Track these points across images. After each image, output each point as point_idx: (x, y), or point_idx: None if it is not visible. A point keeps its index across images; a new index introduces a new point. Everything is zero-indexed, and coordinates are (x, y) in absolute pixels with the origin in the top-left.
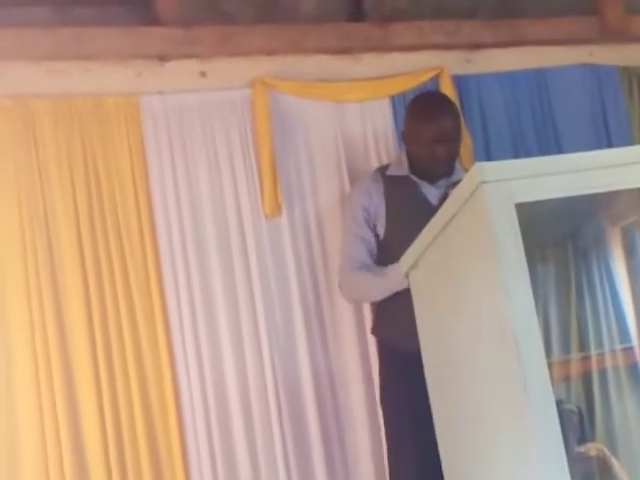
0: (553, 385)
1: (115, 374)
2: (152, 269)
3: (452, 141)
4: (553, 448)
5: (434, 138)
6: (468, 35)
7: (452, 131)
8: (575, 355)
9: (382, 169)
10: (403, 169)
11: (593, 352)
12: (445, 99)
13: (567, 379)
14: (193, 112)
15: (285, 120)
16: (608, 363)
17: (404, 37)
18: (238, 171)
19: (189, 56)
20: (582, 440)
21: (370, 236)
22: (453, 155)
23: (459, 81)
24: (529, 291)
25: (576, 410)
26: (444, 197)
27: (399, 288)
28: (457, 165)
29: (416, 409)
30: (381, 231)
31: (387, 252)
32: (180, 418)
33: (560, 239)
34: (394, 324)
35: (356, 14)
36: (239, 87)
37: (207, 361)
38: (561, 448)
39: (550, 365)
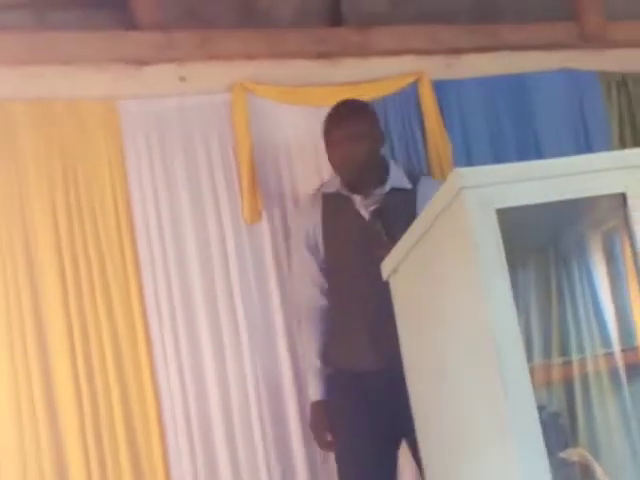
0: (534, 390)
1: (96, 383)
2: (132, 275)
3: (354, 142)
4: (535, 453)
5: (336, 142)
6: (448, 40)
7: (353, 131)
8: (556, 360)
9: (318, 189)
10: (335, 185)
11: (574, 357)
12: (350, 103)
13: (548, 384)
14: (172, 117)
15: (264, 125)
16: (590, 368)
17: (383, 42)
18: (217, 176)
19: (168, 60)
20: (564, 445)
21: (312, 262)
22: (361, 158)
23: (439, 86)
24: (510, 296)
25: (558, 414)
26: (377, 210)
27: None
28: (394, 172)
29: (363, 435)
30: (322, 252)
31: (330, 272)
32: (161, 425)
33: (541, 244)
34: (343, 345)
35: (335, 18)
36: (218, 92)
37: (188, 366)
38: (543, 453)
39: (531, 370)
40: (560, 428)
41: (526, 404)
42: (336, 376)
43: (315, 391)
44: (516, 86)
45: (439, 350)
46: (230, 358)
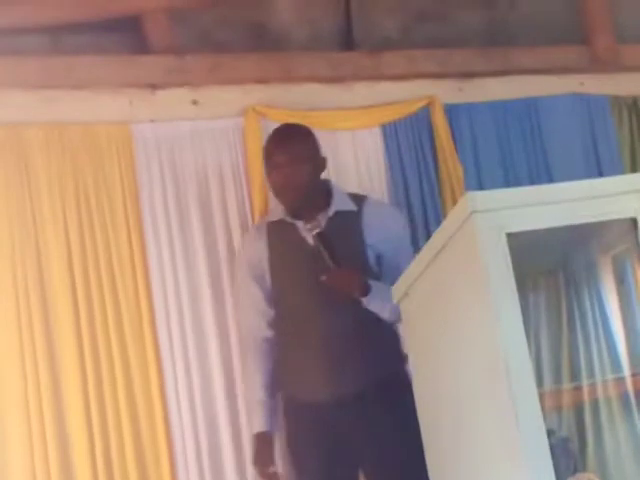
0: (544, 415)
1: (105, 403)
2: (143, 298)
3: (296, 165)
4: (545, 478)
5: (278, 165)
6: (460, 64)
7: (296, 155)
8: (567, 385)
9: (266, 216)
10: (278, 213)
11: (585, 382)
12: (291, 127)
13: (559, 409)
14: (185, 141)
15: None
16: (600, 393)
17: (395, 66)
18: (229, 200)
19: (181, 84)
20: (574, 470)
21: (259, 293)
22: (303, 181)
23: (451, 110)
24: (520, 321)
25: (568, 439)
26: (320, 234)
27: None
28: (337, 196)
29: (317, 467)
30: (269, 282)
31: (278, 301)
32: (170, 443)
33: (551, 268)
34: (293, 375)
35: (347, 43)
36: (231, 115)
37: (197, 381)
38: (553, 478)
39: (541, 395)
40: (570, 453)
41: (536, 429)
42: (287, 406)
43: (259, 422)
44: (527, 110)
45: (450, 373)
46: (238, 371)
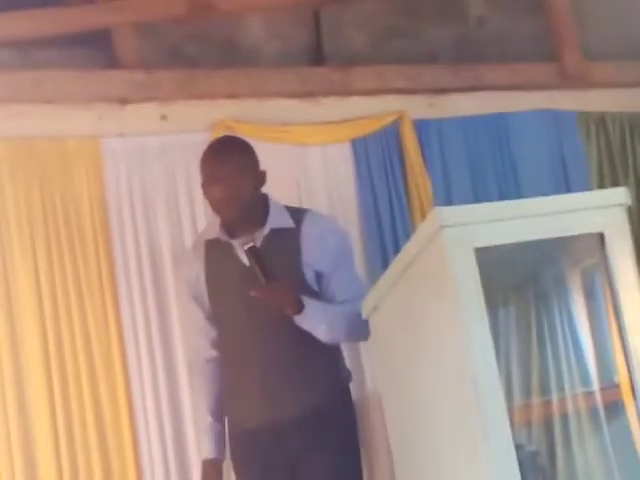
0: (514, 430)
1: (75, 442)
2: (111, 317)
3: (236, 179)
4: None
5: (216, 178)
6: (429, 80)
7: (235, 168)
8: (536, 399)
9: (201, 236)
10: (214, 230)
11: (554, 396)
12: (230, 139)
13: (528, 423)
14: (154, 155)
15: None
16: (569, 407)
17: (365, 81)
18: (199, 215)
19: (150, 99)
20: None
21: (199, 313)
22: (243, 196)
23: (420, 125)
24: (488, 336)
25: (537, 453)
26: (252, 249)
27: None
28: (274, 212)
29: None
30: (206, 302)
31: (217, 323)
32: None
33: (520, 282)
34: (232, 400)
35: (317, 58)
36: (200, 130)
37: (166, 413)
38: None
39: (511, 409)
40: (539, 467)
41: (505, 443)
42: (230, 432)
43: (205, 449)
44: (497, 125)
45: (420, 388)
46: None
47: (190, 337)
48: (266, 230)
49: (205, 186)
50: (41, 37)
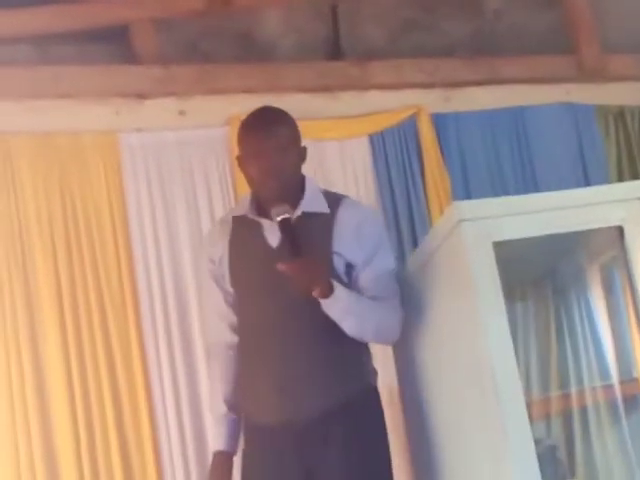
0: (532, 423)
1: (95, 432)
2: (130, 310)
3: (281, 152)
4: None
5: (261, 151)
6: (446, 74)
7: (281, 142)
8: (555, 393)
9: (228, 213)
10: (243, 207)
11: (573, 390)
12: (273, 110)
13: (547, 417)
14: (171, 150)
15: None
16: (588, 400)
17: (382, 76)
18: (216, 209)
19: (167, 94)
20: (562, 478)
21: (219, 295)
22: (289, 171)
23: (438, 119)
24: (507, 330)
25: (556, 447)
26: (285, 221)
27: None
28: (309, 194)
29: None
30: (228, 283)
31: (238, 307)
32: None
33: (539, 277)
34: (247, 391)
35: (334, 53)
36: (217, 125)
37: (186, 411)
38: None
39: (530, 403)
40: (558, 461)
41: (524, 438)
42: (245, 425)
43: (217, 440)
44: (514, 119)
45: (438, 382)
46: None
47: (208, 319)
48: (298, 212)
49: (247, 158)
50: (59, 33)
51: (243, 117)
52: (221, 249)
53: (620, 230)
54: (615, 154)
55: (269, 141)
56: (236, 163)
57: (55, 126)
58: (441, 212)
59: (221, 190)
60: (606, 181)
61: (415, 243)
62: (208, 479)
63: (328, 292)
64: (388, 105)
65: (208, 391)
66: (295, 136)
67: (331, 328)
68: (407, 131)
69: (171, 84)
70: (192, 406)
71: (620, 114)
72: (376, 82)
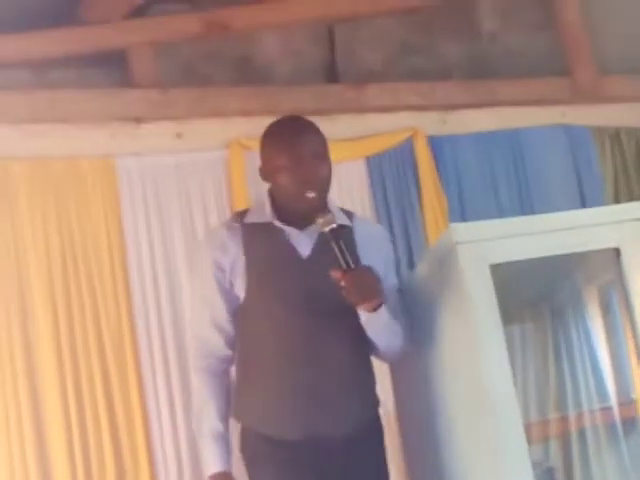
0: (531, 445)
1: (88, 437)
2: (126, 331)
3: (318, 160)
4: None
5: (299, 159)
6: (443, 96)
7: (317, 150)
8: (553, 415)
9: (239, 216)
10: (265, 214)
11: (571, 412)
12: (303, 120)
13: (545, 439)
14: (169, 173)
15: (261, 181)
16: (587, 422)
17: (379, 98)
18: None
19: (165, 118)
20: None
21: (221, 306)
22: (325, 180)
23: (434, 142)
24: (505, 352)
25: (554, 469)
26: (318, 245)
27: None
28: (334, 207)
29: None
30: (241, 291)
31: (250, 316)
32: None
33: (536, 299)
34: (271, 407)
35: (331, 76)
36: (215, 148)
37: (181, 421)
38: None
39: (528, 425)
40: None
41: (522, 460)
42: (252, 440)
43: (216, 461)
44: (510, 141)
45: (435, 406)
46: None
47: (202, 331)
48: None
49: (279, 168)
50: (57, 57)
51: (241, 140)
52: (233, 256)
53: (617, 252)
54: (611, 175)
55: (307, 149)
56: (233, 187)
57: (52, 150)
58: (438, 233)
59: (218, 214)
60: (602, 203)
61: (412, 265)
62: None
63: (378, 305)
64: (385, 128)
65: (192, 408)
66: (327, 146)
67: (361, 343)
68: (404, 153)
69: (169, 107)
70: (185, 410)
71: (616, 135)
72: (373, 105)
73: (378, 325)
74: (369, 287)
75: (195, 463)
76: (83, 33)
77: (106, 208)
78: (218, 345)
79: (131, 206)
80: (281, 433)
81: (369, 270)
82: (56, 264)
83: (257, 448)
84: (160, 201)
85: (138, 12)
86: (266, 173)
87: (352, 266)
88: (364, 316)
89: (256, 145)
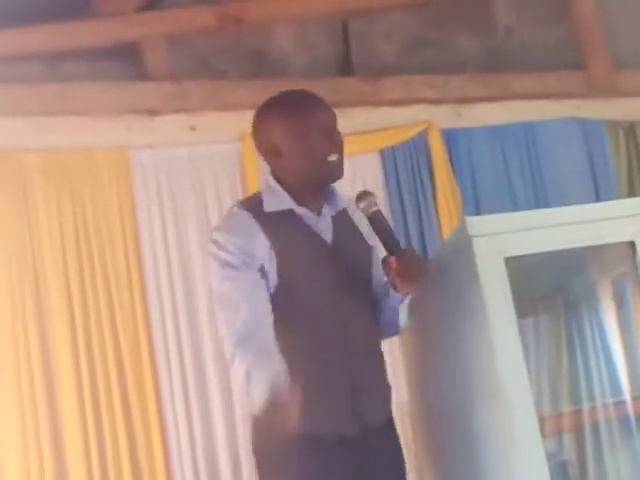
0: (544, 439)
1: (104, 433)
2: (141, 325)
3: (335, 132)
4: None
5: (324, 128)
6: (457, 89)
7: (333, 120)
8: (567, 408)
9: (251, 205)
10: (284, 201)
11: (585, 406)
12: (307, 91)
13: (559, 432)
14: (183, 166)
15: None
16: (600, 416)
17: (393, 92)
18: None
19: (179, 110)
20: None
21: (266, 296)
22: (343, 148)
23: (448, 135)
24: (519, 345)
25: (568, 462)
26: (337, 229)
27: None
28: (334, 190)
29: None
30: (273, 278)
31: (286, 301)
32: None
33: (550, 292)
34: (318, 401)
35: (345, 69)
36: (229, 141)
37: (197, 421)
38: None
39: (541, 419)
40: (570, 476)
41: (536, 453)
42: (280, 440)
43: (276, 376)
44: (525, 134)
45: (448, 399)
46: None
47: (248, 318)
48: (339, 207)
49: (308, 133)
50: (70, 50)
51: None
52: (259, 243)
53: (632, 245)
54: (625, 169)
55: (330, 119)
56: (247, 180)
57: (66, 143)
58: (452, 227)
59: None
60: (616, 196)
61: (425, 258)
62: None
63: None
64: (399, 121)
65: (220, 399)
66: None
67: (377, 330)
68: (418, 146)
69: (182, 100)
70: (201, 409)
71: (630, 129)
72: (387, 98)
73: (407, 305)
74: (420, 271)
75: (211, 462)
76: (96, 26)
77: (121, 200)
78: (269, 328)
79: (145, 198)
80: (336, 429)
81: (415, 251)
82: (71, 256)
83: (311, 449)
84: (174, 193)
85: (151, 5)
86: (277, 151)
87: (401, 248)
88: (404, 297)
89: None
